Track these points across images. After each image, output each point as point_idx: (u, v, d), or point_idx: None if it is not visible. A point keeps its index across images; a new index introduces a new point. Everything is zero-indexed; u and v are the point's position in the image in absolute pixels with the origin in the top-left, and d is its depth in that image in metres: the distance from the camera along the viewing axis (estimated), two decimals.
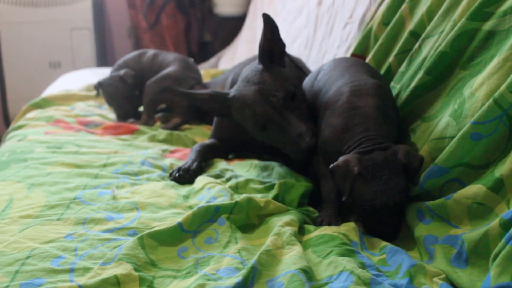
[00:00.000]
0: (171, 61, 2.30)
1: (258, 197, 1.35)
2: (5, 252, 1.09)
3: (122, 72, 2.24)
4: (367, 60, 1.69)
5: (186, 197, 1.43)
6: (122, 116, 2.24)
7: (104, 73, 2.71)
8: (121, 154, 1.73)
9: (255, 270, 1.05)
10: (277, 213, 1.32)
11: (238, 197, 1.32)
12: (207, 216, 1.25)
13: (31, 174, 1.49)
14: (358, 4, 1.90)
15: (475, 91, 1.20)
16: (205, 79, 2.62)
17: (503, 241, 0.95)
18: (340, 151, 1.30)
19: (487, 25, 1.26)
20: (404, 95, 1.44)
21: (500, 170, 1.08)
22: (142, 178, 1.53)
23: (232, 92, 1.53)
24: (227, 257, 1.11)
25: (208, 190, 1.42)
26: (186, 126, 2.18)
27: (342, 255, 1.11)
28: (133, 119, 2.24)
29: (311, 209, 1.39)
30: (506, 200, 1.06)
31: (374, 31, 1.72)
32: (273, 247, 1.14)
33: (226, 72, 2.41)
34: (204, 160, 1.68)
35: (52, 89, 2.70)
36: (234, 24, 3.76)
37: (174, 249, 1.16)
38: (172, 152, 1.85)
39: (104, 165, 1.60)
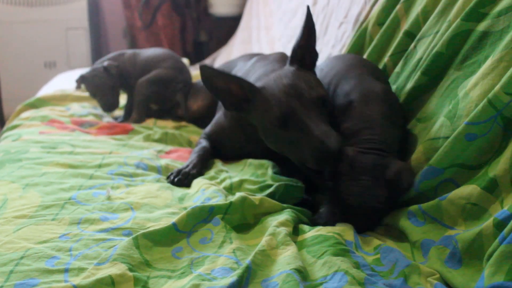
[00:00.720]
0: (161, 60, 2.29)
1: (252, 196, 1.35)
2: None
3: (105, 63, 2.25)
4: None
5: (181, 199, 1.43)
6: (107, 107, 2.25)
7: None
8: (116, 154, 1.72)
9: (250, 270, 1.05)
10: (272, 211, 1.32)
11: (233, 198, 1.32)
12: (202, 216, 1.25)
13: (26, 174, 1.48)
14: (353, 3, 1.90)
15: (469, 91, 1.20)
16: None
17: (497, 241, 0.96)
18: None
19: (481, 26, 1.27)
20: (401, 96, 1.44)
21: (494, 170, 1.08)
22: (137, 180, 1.53)
23: (259, 83, 1.42)
24: (222, 257, 1.11)
25: (202, 192, 1.42)
26: (182, 124, 2.17)
27: (337, 255, 1.11)
28: (121, 116, 2.26)
29: (305, 210, 1.39)
30: (500, 200, 1.06)
31: (369, 31, 1.72)
32: (268, 247, 1.14)
33: None
34: (205, 165, 1.67)
35: (47, 89, 2.69)
36: (230, 24, 3.76)
37: (168, 249, 1.16)
38: (167, 152, 1.85)
39: (99, 166, 1.60)
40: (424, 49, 1.44)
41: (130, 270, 1.05)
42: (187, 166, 1.61)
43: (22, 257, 1.07)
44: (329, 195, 1.36)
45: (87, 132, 2.00)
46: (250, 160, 1.63)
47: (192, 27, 3.97)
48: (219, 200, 1.33)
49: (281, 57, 1.74)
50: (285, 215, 1.27)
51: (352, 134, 1.32)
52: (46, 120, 2.08)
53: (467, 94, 1.20)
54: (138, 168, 1.62)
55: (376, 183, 1.24)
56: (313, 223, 1.31)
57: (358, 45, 1.76)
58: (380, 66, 1.62)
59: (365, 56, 1.69)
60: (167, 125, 2.16)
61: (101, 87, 2.24)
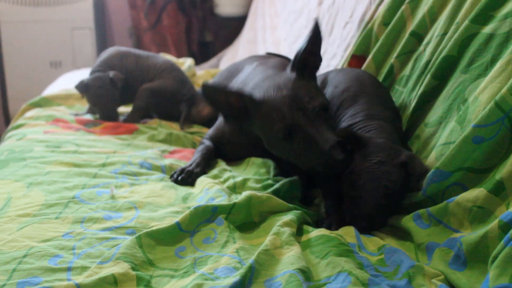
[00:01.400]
0: (166, 70, 2.27)
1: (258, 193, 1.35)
2: (2, 251, 1.09)
3: (111, 74, 2.16)
4: (367, 61, 1.68)
5: (185, 198, 1.43)
6: (105, 117, 2.17)
7: None
8: (120, 153, 1.72)
9: (253, 270, 1.04)
10: (279, 211, 1.32)
11: (236, 198, 1.32)
12: (205, 216, 1.25)
13: (30, 173, 1.48)
14: (358, 3, 1.90)
15: (478, 95, 1.19)
16: (207, 78, 2.63)
17: (502, 243, 0.95)
18: None
19: (488, 28, 1.26)
20: (412, 100, 1.43)
21: (501, 173, 1.08)
22: (141, 179, 1.53)
23: (258, 94, 1.42)
24: (225, 257, 1.11)
25: (206, 191, 1.42)
26: (193, 129, 2.17)
27: (340, 255, 1.11)
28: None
29: (311, 212, 1.39)
30: (507, 203, 1.06)
31: (375, 31, 1.71)
32: (271, 246, 1.13)
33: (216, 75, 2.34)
34: (208, 165, 1.67)
35: (53, 88, 2.70)
36: (235, 25, 3.76)
37: (172, 248, 1.16)
38: (171, 152, 1.84)
39: (103, 165, 1.60)
40: (432, 51, 1.43)
41: (133, 269, 1.04)
42: (191, 164, 1.62)
43: (25, 256, 1.07)
44: (332, 193, 1.38)
45: (91, 131, 2.00)
46: (252, 159, 1.63)
47: (197, 27, 3.96)
48: (222, 200, 1.33)
49: (281, 63, 1.73)
50: (290, 216, 1.27)
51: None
52: (51, 120, 2.08)
53: (476, 98, 1.19)
54: (142, 167, 1.61)
55: (389, 162, 1.24)
56: (317, 226, 1.31)
57: (363, 45, 1.76)
58: (386, 66, 1.61)
59: (370, 56, 1.68)
60: (172, 126, 2.16)
61: (105, 98, 2.16)
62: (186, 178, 1.55)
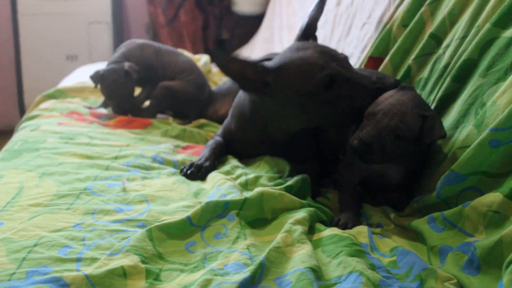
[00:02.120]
0: (187, 70, 2.24)
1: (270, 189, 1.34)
2: (13, 239, 1.09)
3: (126, 65, 2.10)
4: (384, 62, 1.67)
5: (197, 194, 1.42)
6: (120, 111, 2.14)
7: None
8: (133, 147, 1.72)
9: (263, 267, 1.04)
10: (292, 207, 1.31)
11: (248, 194, 1.31)
12: (217, 212, 1.24)
13: (43, 163, 1.48)
14: (377, 4, 1.88)
15: (497, 99, 1.17)
16: (222, 76, 2.62)
17: None
18: None
19: (508, 32, 1.24)
20: (431, 103, 1.42)
21: None
22: (153, 173, 1.53)
23: (274, 63, 1.41)
24: (236, 253, 1.10)
25: (218, 187, 1.41)
26: (201, 121, 2.16)
27: (352, 255, 1.10)
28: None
29: (324, 208, 1.38)
30: None
31: (394, 32, 1.70)
32: (282, 244, 1.12)
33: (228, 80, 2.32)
34: (218, 159, 1.66)
35: (68, 81, 2.70)
36: (252, 23, 3.75)
37: (182, 242, 1.15)
38: (184, 148, 1.84)
39: (116, 158, 1.60)
40: (451, 54, 1.42)
41: (143, 262, 1.04)
42: (200, 159, 1.61)
43: (35, 245, 1.07)
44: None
45: (105, 124, 2.00)
46: (266, 158, 1.62)
47: (214, 25, 3.96)
48: (234, 196, 1.32)
49: None
50: (303, 213, 1.26)
51: None
52: (66, 112, 2.08)
53: (495, 102, 1.18)
54: (154, 161, 1.61)
55: (411, 106, 1.25)
56: (332, 223, 1.31)
57: (382, 47, 1.74)
58: (404, 68, 1.60)
59: (388, 58, 1.67)
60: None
61: (119, 92, 2.11)
62: (195, 172, 1.55)
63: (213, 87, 2.37)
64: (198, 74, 2.28)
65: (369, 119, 1.27)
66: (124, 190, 1.37)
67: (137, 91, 2.27)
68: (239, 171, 1.54)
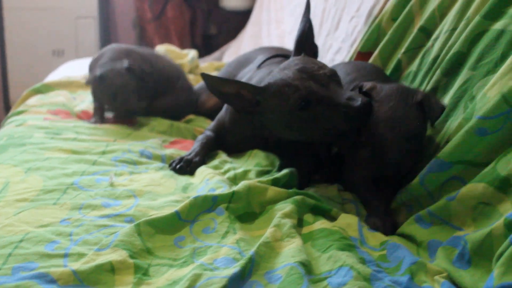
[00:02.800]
0: (170, 77, 2.16)
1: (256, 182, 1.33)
2: None
3: (125, 63, 1.94)
4: (373, 56, 1.67)
5: (185, 188, 1.41)
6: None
7: None
8: (121, 142, 1.71)
9: (253, 261, 1.03)
10: (278, 199, 1.30)
11: (236, 187, 1.31)
12: (205, 206, 1.23)
13: (29, 158, 1.47)
14: None
15: (487, 92, 1.17)
16: (210, 71, 2.61)
17: (507, 241, 0.94)
18: None
19: (498, 24, 1.24)
20: None
21: (506, 169, 1.06)
22: (141, 167, 1.52)
23: (264, 82, 1.42)
24: (225, 247, 1.09)
25: (206, 182, 1.40)
26: (188, 117, 2.15)
27: (342, 249, 1.09)
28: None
29: (310, 193, 1.37)
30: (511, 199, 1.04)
31: (383, 26, 1.69)
32: (272, 239, 1.12)
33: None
34: (208, 154, 1.65)
35: (54, 76, 2.68)
36: (240, 18, 3.75)
37: (171, 237, 1.14)
38: (172, 143, 1.83)
39: (103, 152, 1.58)
40: (441, 47, 1.41)
41: (131, 257, 1.03)
42: (190, 154, 1.60)
43: (21, 240, 1.06)
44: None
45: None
46: (255, 151, 1.61)
47: (202, 20, 3.95)
48: (223, 190, 1.31)
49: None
50: (290, 205, 1.25)
51: None
52: (53, 109, 2.05)
53: (485, 95, 1.17)
54: (142, 156, 1.60)
55: (405, 105, 1.25)
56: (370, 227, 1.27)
57: (371, 41, 1.73)
58: (394, 62, 1.59)
59: (376, 52, 1.67)
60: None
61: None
62: (184, 167, 1.54)
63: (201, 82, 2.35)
64: (183, 76, 2.25)
65: (378, 143, 1.27)
66: (111, 185, 1.36)
67: None
68: (227, 166, 1.53)
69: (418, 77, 1.47)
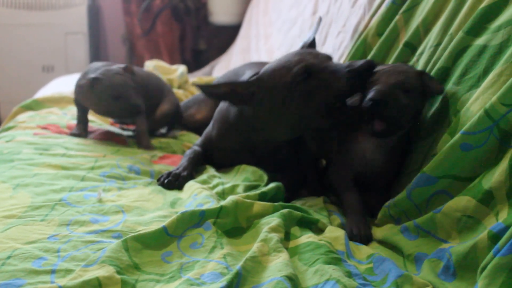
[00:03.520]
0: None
1: (244, 198, 1.34)
2: None
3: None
4: None
5: (173, 203, 1.42)
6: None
7: None
8: (110, 158, 1.71)
9: (240, 276, 1.03)
10: (265, 214, 1.31)
11: (223, 202, 1.31)
12: (193, 221, 1.24)
13: (17, 174, 1.46)
14: (352, 13, 1.90)
15: (470, 106, 1.19)
16: None
17: (491, 253, 0.95)
18: None
19: (481, 40, 1.26)
20: None
21: (489, 182, 1.07)
22: (129, 183, 1.52)
23: (256, 75, 1.51)
24: (212, 262, 1.09)
25: (194, 197, 1.41)
26: (181, 132, 2.16)
27: (329, 263, 1.09)
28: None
29: (296, 205, 1.38)
30: (495, 212, 1.05)
31: (368, 41, 1.71)
32: (259, 253, 1.12)
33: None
34: (196, 169, 1.66)
35: (44, 92, 2.68)
36: (229, 33, 3.76)
37: (158, 252, 1.14)
38: (161, 158, 1.83)
39: (92, 168, 1.58)
40: (425, 62, 1.43)
41: (118, 273, 1.03)
42: (178, 168, 1.61)
43: (8, 257, 1.05)
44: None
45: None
46: (243, 166, 1.62)
47: (191, 35, 3.97)
48: (211, 205, 1.31)
49: None
50: (277, 219, 1.26)
51: None
52: (43, 124, 2.05)
53: (468, 109, 1.19)
54: (130, 172, 1.60)
55: (406, 66, 1.34)
56: (348, 235, 1.28)
57: (357, 56, 1.75)
58: None
59: None
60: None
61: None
62: (173, 181, 1.54)
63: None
64: (172, 93, 2.26)
65: (373, 84, 1.30)
66: (100, 200, 1.36)
67: None
68: (216, 181, 1.54)
69: None
